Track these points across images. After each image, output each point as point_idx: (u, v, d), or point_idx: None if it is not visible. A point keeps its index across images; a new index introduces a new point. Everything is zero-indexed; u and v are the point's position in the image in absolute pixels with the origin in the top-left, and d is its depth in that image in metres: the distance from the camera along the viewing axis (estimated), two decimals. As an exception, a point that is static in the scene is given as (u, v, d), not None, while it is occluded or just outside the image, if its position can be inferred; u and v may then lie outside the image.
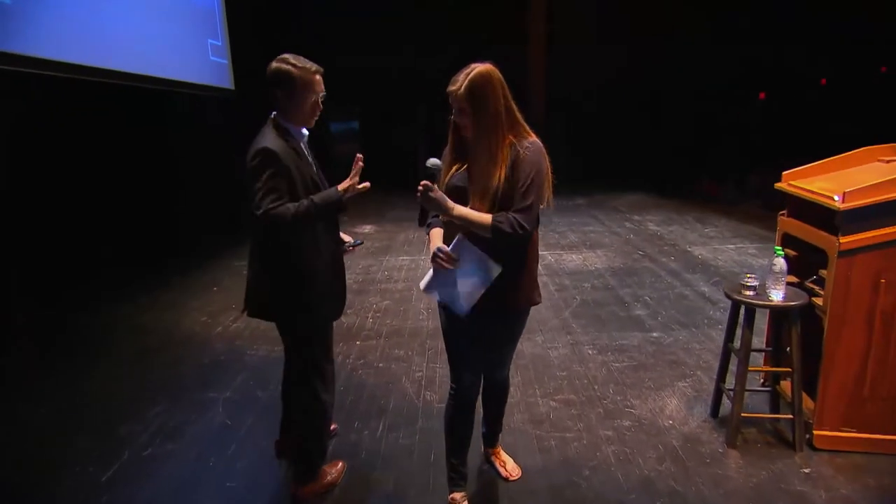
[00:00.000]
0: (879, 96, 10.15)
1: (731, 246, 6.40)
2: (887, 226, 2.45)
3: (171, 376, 3.75)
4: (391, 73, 12.26)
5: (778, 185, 3.05)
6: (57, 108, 5.20)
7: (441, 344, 4.06)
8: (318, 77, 2.26)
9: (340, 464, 2.69)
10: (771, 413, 2.93)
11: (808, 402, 2.81)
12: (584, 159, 11.26)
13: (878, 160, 2.92)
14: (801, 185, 2.87)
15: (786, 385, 2.92)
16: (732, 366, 2.93)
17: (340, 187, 2.29)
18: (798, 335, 2.64)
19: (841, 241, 2.49)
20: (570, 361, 3.75)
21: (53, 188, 5.21)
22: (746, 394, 2.78)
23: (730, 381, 2.99)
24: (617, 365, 3.68)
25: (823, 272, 2.69)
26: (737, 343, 2.84)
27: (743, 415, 2.74)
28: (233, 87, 8.24)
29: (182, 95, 6.98)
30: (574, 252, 6.38)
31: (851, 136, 4.96)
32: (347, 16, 11.36)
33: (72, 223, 5.36)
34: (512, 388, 3.44)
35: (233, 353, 4.08)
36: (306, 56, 2.27)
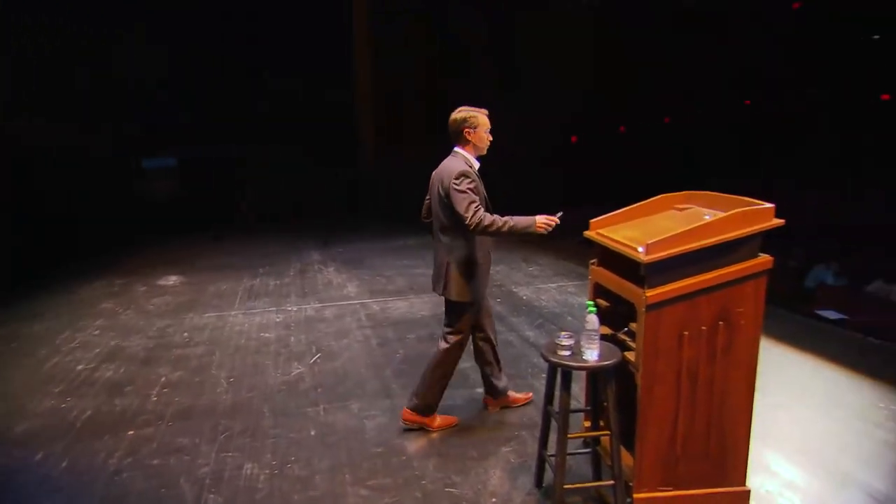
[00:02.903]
0: (666, 143, 11.45)
1: (553, 285, 6.53)
2: (686, 277, 2.40)
3: None
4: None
5: (587, 234, 2.96)
6: None
7: (238, 426, 3.44)
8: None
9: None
10: (594, 479, 2.75)
11: (630, 461, 2.67)
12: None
13: (674, 208, 2.95)
14: (608, 234, 2.79)
15: (608, 445, 2.77)
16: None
17: (539, 221, 3.01)
18: (614, 395, 2.49)
19: (647, 294, 2.40)
20: (389, 433, 3.33)
21: None
22: (571, 459, 2.57)
23: (553, 446, 2.78)
24: (440, 432, 3.34)
25: (634, 325, 2.59)
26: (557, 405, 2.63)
27: (566, 486, 2.51)
28: None
29: None
30: (401, 298, 6.05)
31: (650, 181, 5.28)
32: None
33: None
34: (318, 477, 2.94)
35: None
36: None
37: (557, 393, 2.56)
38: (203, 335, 5.05)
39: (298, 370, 4.27)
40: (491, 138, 3.23)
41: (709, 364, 2.45)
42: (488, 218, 2.95)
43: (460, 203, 2.97)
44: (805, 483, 2.83)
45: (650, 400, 2.47)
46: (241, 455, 3.14)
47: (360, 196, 11.91)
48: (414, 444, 3.20)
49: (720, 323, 2.42)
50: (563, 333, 2.54)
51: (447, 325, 3.33)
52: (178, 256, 8.13)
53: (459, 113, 3.17)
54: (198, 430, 3.39)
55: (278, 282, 6.85)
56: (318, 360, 4.42)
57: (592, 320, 2.44)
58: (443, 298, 3.29)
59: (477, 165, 3.19)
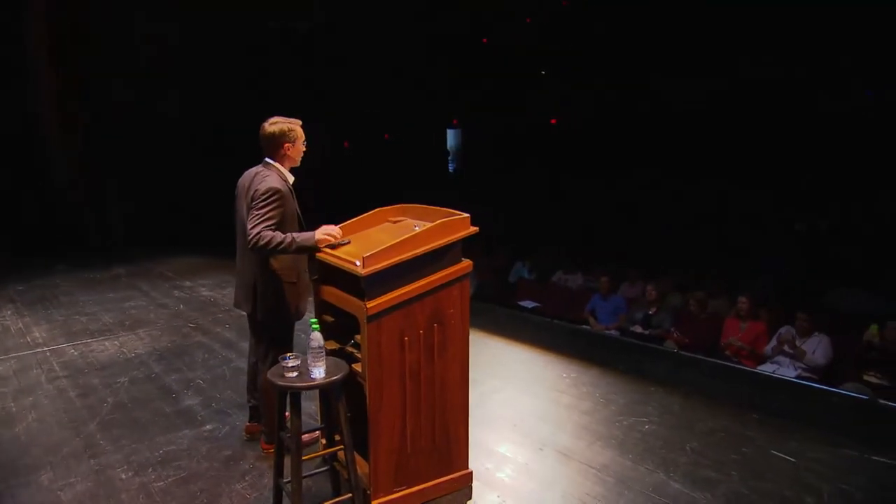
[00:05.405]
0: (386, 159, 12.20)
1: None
2: (402, 286, 2.55)
3: None
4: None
5: (307, 251, 2.94)
6: None
7: None
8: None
9: None
10: (333, 495, 2.73)
11: (367, 469, 2.72)
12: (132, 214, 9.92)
13: (388, 221, 3.11)
14: (327, 250, 2.82)
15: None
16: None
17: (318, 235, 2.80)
18: (345, 408, 2.52)
19: (367, 305, 2.48)
20: (95, 500, 2.83)
21: None
22: (310, 481, 2.52)
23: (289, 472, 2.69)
24: (160, 484, 2.96)
25: (359, 337, 2.66)
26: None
27: (304, 511, 2.45)
28: None
29: None
30: (108, 338, 5.22)
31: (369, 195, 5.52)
32: None
33: None
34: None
35: None
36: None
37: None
38: None
39: (-43, 448, 3.36)
40: (305, 149, 3.06)
41: (428, 363, 2.65)
42: (268, 235, 2.75)
43: (252, 219, 2.78)
44: (515, 454, 3.26)
45: (379, 406, 2.56)
46: None
47: (46, 222, 9.98)
48: (128, 506, 2.78)
49: (434, 325, 2.64)
50: (288, 355, 2.48)
51: (260, 349, 3.12)
52: None
53: (276, 125, 2.96)
54: None
55: (-78, 337, 5.32)
56: (-10, 430, 3.54)
57: (317, 338, 2.43)
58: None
59: (292, 179, 3.03)
